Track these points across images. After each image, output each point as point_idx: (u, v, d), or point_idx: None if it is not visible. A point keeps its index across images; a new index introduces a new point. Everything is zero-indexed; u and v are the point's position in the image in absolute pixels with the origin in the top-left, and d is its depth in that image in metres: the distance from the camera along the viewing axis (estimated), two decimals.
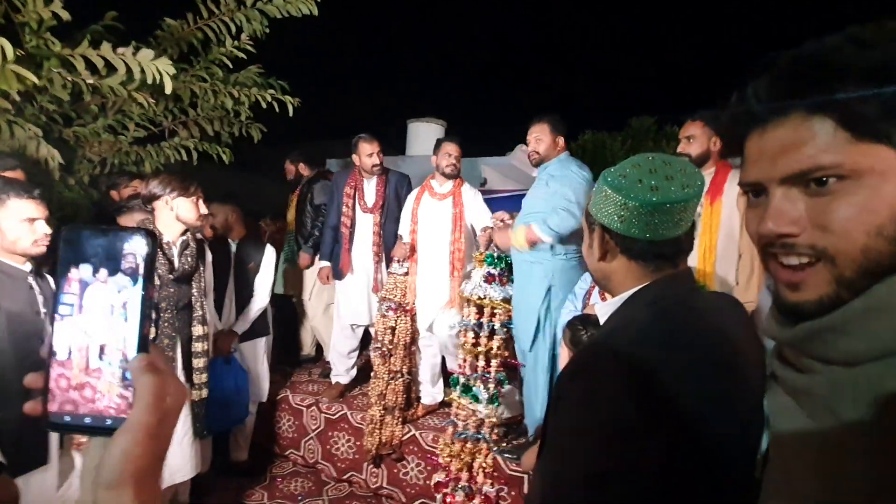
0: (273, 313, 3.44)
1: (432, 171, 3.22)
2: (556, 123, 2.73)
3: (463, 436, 2.69)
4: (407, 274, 3.12)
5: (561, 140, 2.73)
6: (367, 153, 3.27)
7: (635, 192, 0.81)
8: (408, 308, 3.11)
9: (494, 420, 2.68)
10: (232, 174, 5.03)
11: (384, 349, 3.08)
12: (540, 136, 2.73)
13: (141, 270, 0.52)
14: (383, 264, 3.35)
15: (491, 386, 2.67)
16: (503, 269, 2.73)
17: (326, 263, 3.50)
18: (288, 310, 4.11)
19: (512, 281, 2.75)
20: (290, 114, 3.18)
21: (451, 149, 3.10)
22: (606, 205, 0.84)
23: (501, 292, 2.69)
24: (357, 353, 3.58)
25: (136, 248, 0.52)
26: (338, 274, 3.42)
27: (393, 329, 3.09)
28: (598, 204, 0.87)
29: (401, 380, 3.10)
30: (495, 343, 2.67)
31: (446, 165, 3.09)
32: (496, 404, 2.66)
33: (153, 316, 0.54)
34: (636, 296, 0.84)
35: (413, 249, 3.11)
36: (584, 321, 1.75)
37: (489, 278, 2.71)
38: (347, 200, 3.34)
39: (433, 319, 3.13)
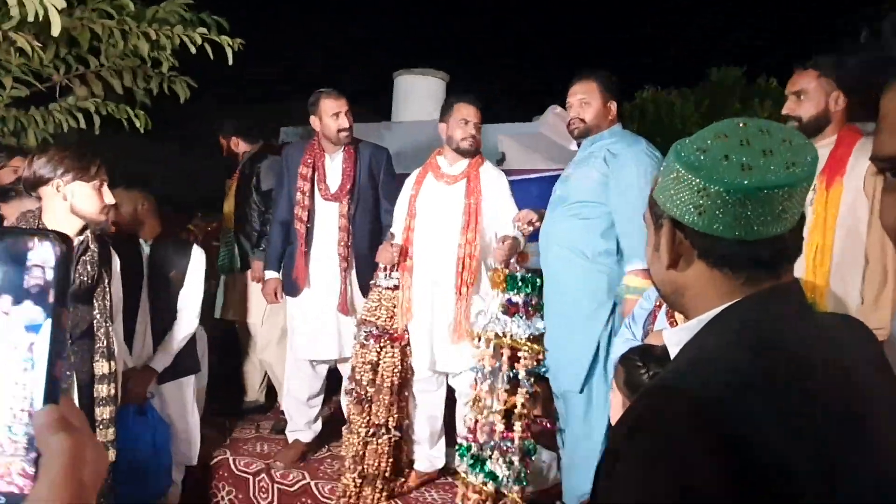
0: (207, 343, 3.42)
1: (429, 144, 3.31)
2: (607, 82, 2.79)
3: None
4: (397, 288, 3.12)
5: (613, 105, 2.79)
6: (331, 112, 3.28)
7: (720, 173, 0.83)
8: (396, 335, 3.12)
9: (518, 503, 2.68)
10: (149, 148, 5.11)
11: (362, 393, 3.08)
12: (586, 99, 2.77)
13: (52, 291, 0.51)
14: (354, 273, 3.40)
15: (514, 459, 2.66)
16: (529, 296, 2.75)
17: (274, 274, 3.50)
18: (228, 339, 4.10)
19: (541, 310, 2.78)
20: (230, 61, 3.19)
21: (468, 112, 3.07)
22: (679, 190, 0.86)
23: (527, 328, 2.70)
24: (321, 398, 3.60)
25: (44, 258, 0.51)
26: (291, 288, 3.42)
27: (375, 364, 3.07)
28: (666, 189, 0.89)
29: (385, 437, 3.09)
30: (519, 398, 2.66)
31: (463, 138, 3.07)
32: (523, 484, 2.66)
33: (62, 352, 0.54)
34: (720, 318, 0.86)
35: (405, 254, 3.13)
36: (644, 355, 1.79)
37: (511, 308, 2.71)
38: (303, 184, 3.34)
39: (450, 359, 3.12)
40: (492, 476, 2.67)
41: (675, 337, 0.92)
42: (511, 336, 2.69)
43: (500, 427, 2.66)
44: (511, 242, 2.81)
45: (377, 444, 3.09)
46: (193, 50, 3.21)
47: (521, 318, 2.71)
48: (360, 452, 3.08)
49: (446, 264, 3.07)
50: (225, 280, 4.05)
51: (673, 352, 0.92)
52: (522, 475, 2.66)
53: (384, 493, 3.13)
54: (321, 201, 3.37)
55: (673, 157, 0.89)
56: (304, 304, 3.42)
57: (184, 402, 3.27)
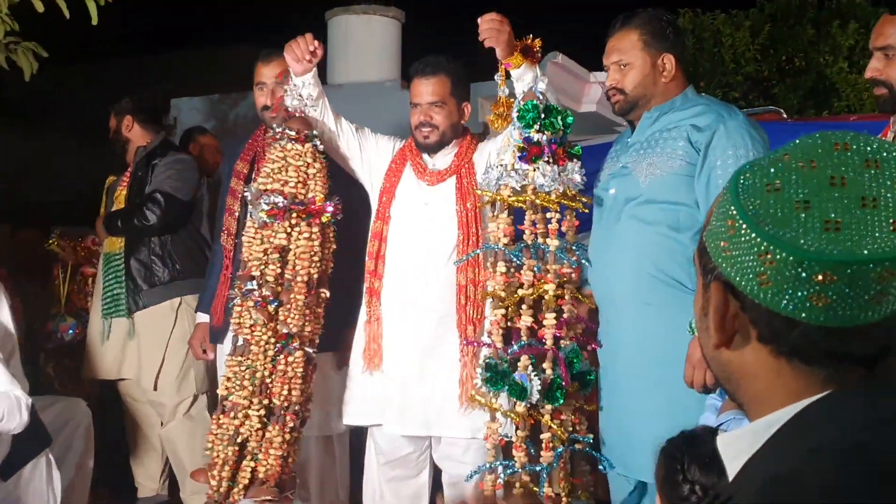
0: (90, 419, 3.10)
1: (383, 118, 3.22)
2: (655, 28, 2.36)
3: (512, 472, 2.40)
4: (300, 137, 2.62)
5: (670, 61, 2.37)
6: (256, 80, 3.01)
7: (792, 232, 0.74)
8: (314, 207, 2.60)
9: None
10: None
11: (268, 293, 2.57)
12: (625, 59, 2.38)
13: None
14: None
15: (546, 366, 2.31)
16: (556, 135, 2.39)
17: (204, 318, 3.16)
18: (109, 407, 3.77)
19: (577, 156, 2.42)
20: (94, 20, 2.95)
21: (418, 90, 2.73)
22: (735, 245, 0.78)
23: (557, 177, 2.34)
24: None
25: None
26: (213, 332, 3.10)
27: (284, 251, 2.58)
28: (718, 236, 0.80)
29: (299, 352, 2.57)
30: (551, 288, 2.32)
31: (415, 126, 2.74)
32: (558, 402, 2.37)
33: None
34: (801, 424, 0.77)
35: (375, 273, 2.76)
36: (692, 452, 1.34)
37: (531, 149, 2.35)
38: (236, 184, 3.06)
39: (444, 419, 2.72)
40: (518, 390, 2.32)
41: (732, 447, 0.83)
42: (537, 189, 2.31)
43: (526, 320, 2.37)
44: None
45: (287, 363, 2.56)
46: (40, 7, 2.94)
47: (549, 163, 2.34)
48: (265, 378, 2.58)
49: (438, 294, 2.72)
50: (108, 322, 3.56)
51: (731, 468, 0.81)
52: (559, 390, 2.30)
53: (296, 435, 2.58)
54: None
55: (731, 192, 0.78)
56: (224, 354, 2.99)
57: (43, 488, 2.83)
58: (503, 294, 2.41)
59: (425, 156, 2.81)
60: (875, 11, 7.08)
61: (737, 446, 0.83)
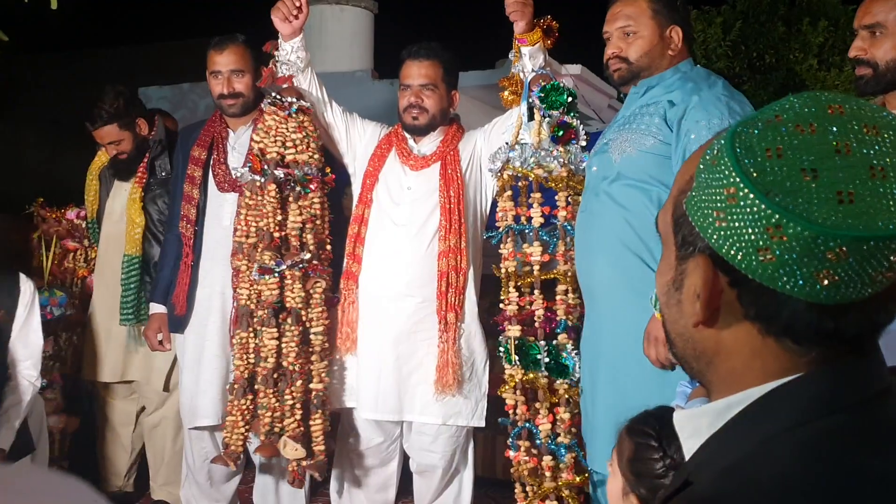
0: (44, 414, 3.08)
1: (356, 109, 2.99)
2: None
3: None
4: (302, 110, 2.71)
5: (677, 34, 2.25)
6: (210, 69, 2.90)
7: (808, 205, 0.67)
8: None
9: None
10: None
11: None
12: (632, 27, 2.23)
13: None
14: None
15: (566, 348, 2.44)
16: (576, 117, 2.51)
17: (159, 308, 3.07)
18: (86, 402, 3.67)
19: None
20: (53, 5, 2.72)
21: (409, 72, 2.73)
22: (735, 217, 0.69)
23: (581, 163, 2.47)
24: (236, 480, 3.11)
25: None
26: (173, 321, 3.02)
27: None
28: (709, 206, 0.71)
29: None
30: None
31: (404, 109, 2.73)
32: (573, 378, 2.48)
33: None
34: (758, 411, 0.74)
35: (354, 255, 2.77)
36: (664, 428, 1.45)
37: (568, 132, 2.43)
38: (193, 170, 2.99)
39: (418, 404, 2.73)
40: (558, 370, 2.43)
41: (689, 426, 0.79)
42: (570, 172, 2.41)
43: (567, 300, 2.48)
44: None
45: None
46: None
47: (582, 147, 2.45)
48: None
49: (416, 279, 2.71)
50: (132, 331, 3.34)
51: (688, 446, 0.77)
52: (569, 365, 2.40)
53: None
54: (216, 194, 2.97)
55: (727, 156, 0.69)
56: (192, 343, 2.96)
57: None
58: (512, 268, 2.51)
59: (410, 141, 2.79)
60: (845, 10, 7.14)
61: (694, 425, 0.80)
